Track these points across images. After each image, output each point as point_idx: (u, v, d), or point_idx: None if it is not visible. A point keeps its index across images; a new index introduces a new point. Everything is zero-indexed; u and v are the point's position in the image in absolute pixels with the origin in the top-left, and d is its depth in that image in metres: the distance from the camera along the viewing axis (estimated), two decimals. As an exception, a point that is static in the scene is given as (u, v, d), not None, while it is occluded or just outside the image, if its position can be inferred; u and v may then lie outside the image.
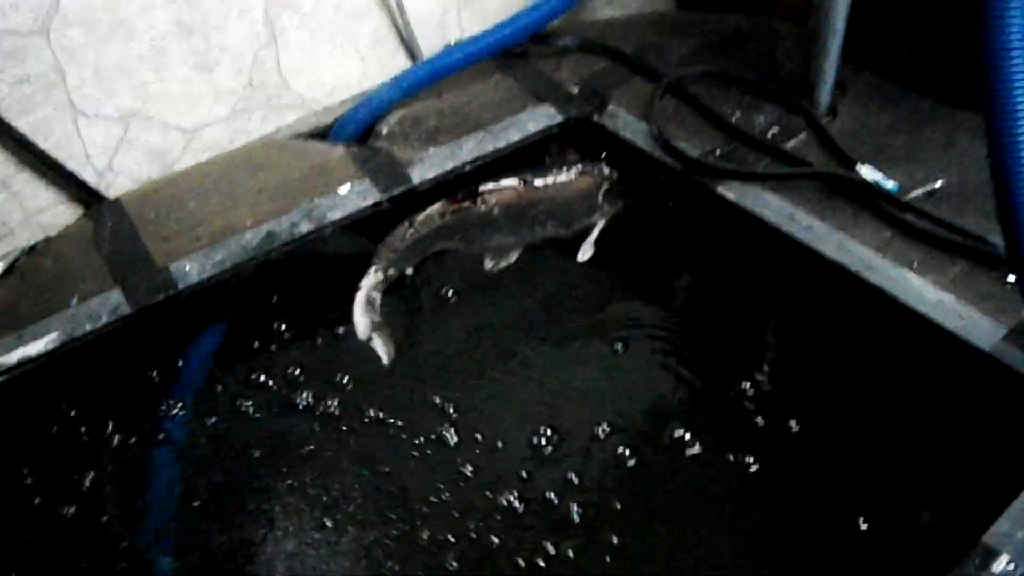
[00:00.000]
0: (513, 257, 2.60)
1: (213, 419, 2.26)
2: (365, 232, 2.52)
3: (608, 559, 1.98)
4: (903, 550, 1.98)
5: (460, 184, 2.60)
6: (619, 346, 2.38)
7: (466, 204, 2.64)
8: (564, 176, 2.70)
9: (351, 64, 2.80)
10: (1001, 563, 1.69)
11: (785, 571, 1.97)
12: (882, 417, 2.20)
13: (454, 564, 1.97)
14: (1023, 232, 1.69)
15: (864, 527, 2.00)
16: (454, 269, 2.60)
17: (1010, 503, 1.79)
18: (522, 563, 1.97)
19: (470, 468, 2.12)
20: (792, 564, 1.98)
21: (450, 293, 2.52)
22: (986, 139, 1.68)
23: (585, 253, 2.59)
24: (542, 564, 1.97)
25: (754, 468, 2.12)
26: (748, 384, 2.25)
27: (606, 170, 2.73)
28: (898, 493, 2.06)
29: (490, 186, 2.64)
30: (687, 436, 2.17)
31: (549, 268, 2.61)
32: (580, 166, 2.72)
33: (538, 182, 2.69)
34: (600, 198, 2.70)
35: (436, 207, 2.61)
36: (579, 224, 2.67)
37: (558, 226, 2.66)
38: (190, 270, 2.28)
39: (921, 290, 2.18)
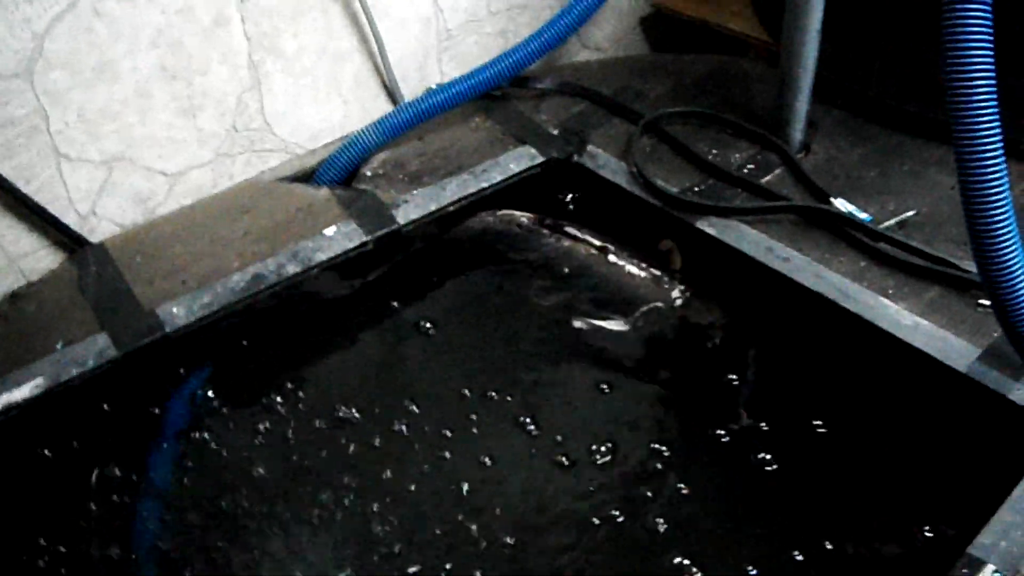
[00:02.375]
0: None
1: (201, 461, 2.26)
2: (350, 273, 2.54)
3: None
4: (891, 568, 2.01)
5: (445, 224, 2.63)
6: (601, 377, 2.41)
7: (545, 226, 2.72)
8: (642, 272, 2.68)
9: (334, 107, 2.84)
10: (987, 573, 1.72)
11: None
12: (865, 439, 2.24)
13: None
14: (992, 254, 1.74)
15: (851, 549, 2.03)
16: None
17: (992, 516, 1.83)
18: None
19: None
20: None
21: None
22: (956, 164, 1.73)
23: (618, 324, 2.59)
24: None
25: (740, 493, 2.14)
26: (732, 412, 2.28)
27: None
28: (884, 512, 2.10)
29: (574, 230, 2.71)
30: (670, 464, 2.20)
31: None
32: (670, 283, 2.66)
33: (612, 258, 2.71)
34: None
35: (520, 213, 2.73)
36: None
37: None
38: (177, 313, 2.30)
39: (897, 315, 2.22)
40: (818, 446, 2.23)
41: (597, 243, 2.70)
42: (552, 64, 3.28)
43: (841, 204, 2.50)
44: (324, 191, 2.61)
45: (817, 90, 2.76)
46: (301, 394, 2.40)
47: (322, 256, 2.44)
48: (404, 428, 2.31)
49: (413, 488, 2.21)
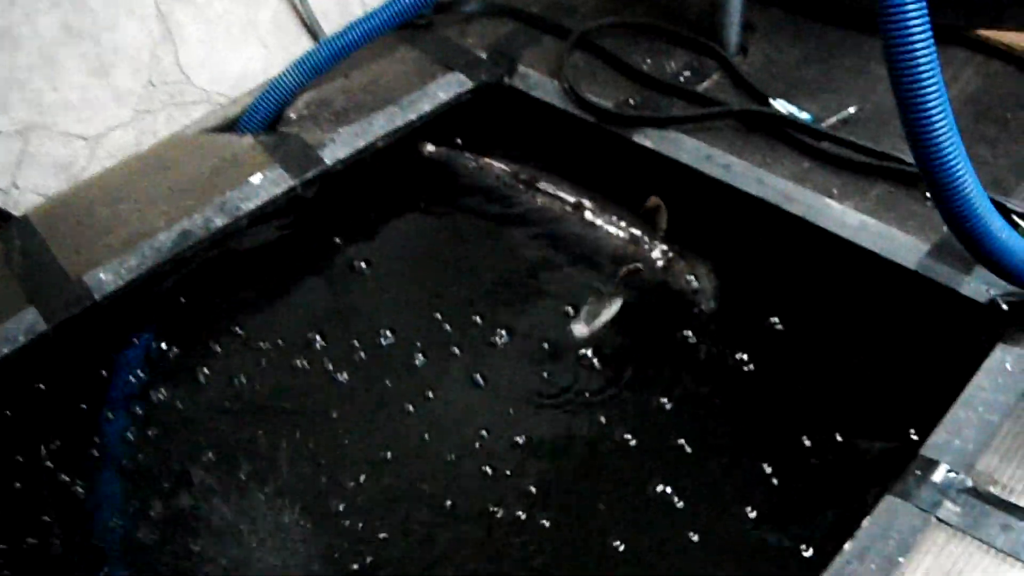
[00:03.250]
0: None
1: (149, 429, 2.20)
2: (284, 219, 2.46)
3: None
4: (848, 469, 1.98)
5: (376, 161, 2.54)
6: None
7: (521, 181, 2.56)
8: (620, 231, 2.43)
9: (254, 52, 2.74)
10: (941, 472, 1.70)
11: (736, 497, 1.95)
12: (818, 342, 2.20)
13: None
14: (930, 153, 1.68)
15: (809, 451, 2.00)
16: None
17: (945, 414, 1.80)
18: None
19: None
20: (740, 490, 1.98)
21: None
22: (883, 54, 1.66)
23: (579, 328, 2.27)
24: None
25: (701, 393, 2.13)
26: (687, 322, 2.24)
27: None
28: (846, 415, 2.05)
29: (550, 187, 2.51)
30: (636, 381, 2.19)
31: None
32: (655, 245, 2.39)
33: (588, 215, 2.46)
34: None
35: (505, 165, 2.59)
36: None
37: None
38: (105, 279, 2.22)
39: (843, 215, 2.18)
40: (775, 351, 2.18)
41: (572, 199, 2.49)
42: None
43: (780, 105, 2.44)
44: (248, 139, 2.52)
45: (753, -11, 2.70)
46: (247, 342, 2.33)
47: (250, 205, 2.36)
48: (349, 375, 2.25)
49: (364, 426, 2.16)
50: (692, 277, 2.29)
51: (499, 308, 2.36)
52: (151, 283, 2.28)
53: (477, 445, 2.08)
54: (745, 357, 2.16)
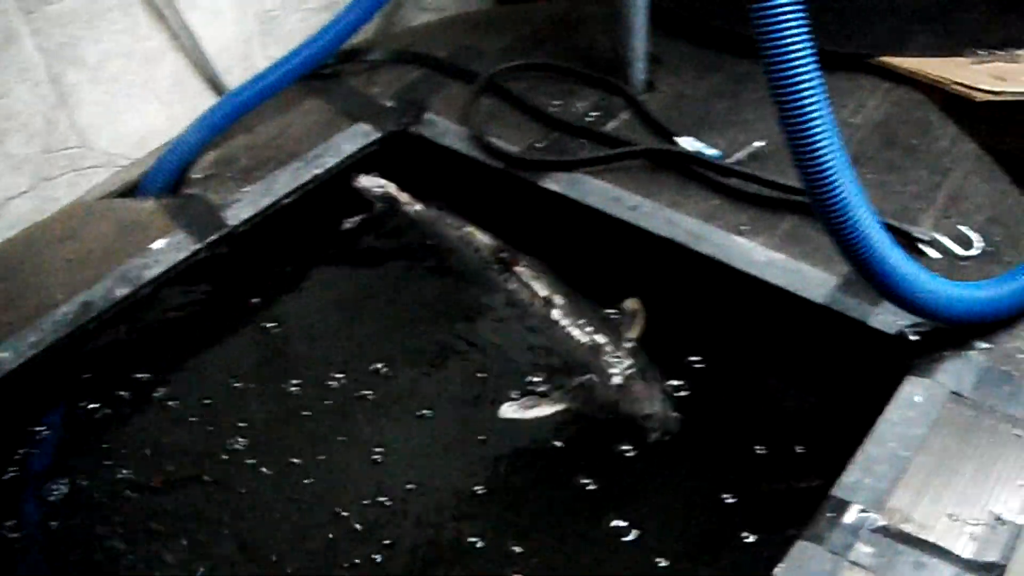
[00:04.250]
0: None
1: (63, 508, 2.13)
2: (191, 283, 2.41)
3: None
4: (766, 510, 1.95)
5: (281, 219, 2.50)
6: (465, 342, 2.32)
7: (499, 259, 2.41)
8: (583, 336, 2.23)
9: (154, 111, 2.69)
10: (853, 512, 1.68)
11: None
12: (731, 380, 2.18)
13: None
14: (818, 188, 1.65)
15: (731, 493, 1.96)
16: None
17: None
18: None
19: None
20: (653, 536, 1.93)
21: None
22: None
23: (507, 410, 2.12)
24: None
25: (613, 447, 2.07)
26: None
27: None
28: (755, 452, 2.03)
29: (527, 273, 2.36)
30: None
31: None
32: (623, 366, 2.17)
33: (555, 313, 2.27)
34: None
35: (489, 239, 2.46)
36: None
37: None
38: (4, 357, 2.15)
39: (751, 252, 2.17)
40: (692, 391, 2.16)
41: (544, 292, 2.31)
42: (389, 32, 3.15)
43: (687, 142, 2.43)
44: (150, 203, 2.47)
45: (660, 24, 2.69)
46: (158, 412, 2.26)
47: (152, 272, 2.31)
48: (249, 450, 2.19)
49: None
50: (646, 402, 2.11)
51: (421, 380, 2.27)
52: (53, 358, 2.21)
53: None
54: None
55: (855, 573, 1.60)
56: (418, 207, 2.58)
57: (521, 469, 2.07)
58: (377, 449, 2.09)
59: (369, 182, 2.62)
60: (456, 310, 2.42)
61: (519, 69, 2.75)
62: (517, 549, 1.89)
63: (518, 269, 2.36)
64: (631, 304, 2.30)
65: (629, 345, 2.21)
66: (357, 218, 2.61)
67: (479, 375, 2.23)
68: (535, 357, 2.25)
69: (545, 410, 2.11)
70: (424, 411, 2.16)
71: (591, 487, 1.98)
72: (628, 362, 2.16)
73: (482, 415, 2.14)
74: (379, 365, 2.26)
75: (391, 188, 2.61)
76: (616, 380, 2.13)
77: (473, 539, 1.92)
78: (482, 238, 2.46)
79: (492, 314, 2.37)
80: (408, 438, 2.14)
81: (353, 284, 2.57)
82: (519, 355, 2.27)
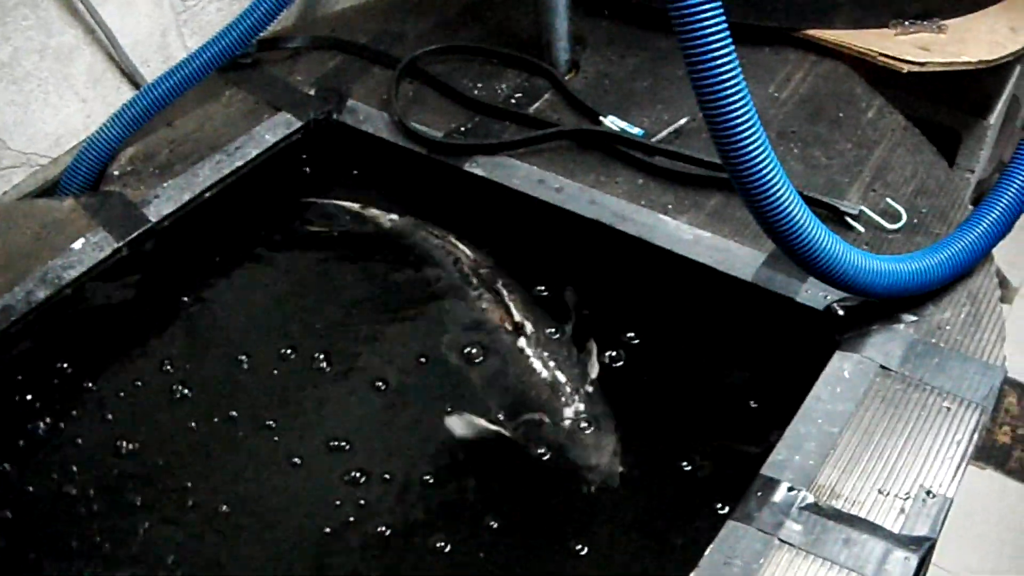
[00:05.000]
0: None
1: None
2: (114, 282, 2.36)
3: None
4: (698, 489, 1.96)
5: (204, 213, 2.45)
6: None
7: (477, 274, 2.34)
8: (545, 371, 2.15)
9: (71, 108, 2.63)
10: (782, 491, 1.67)
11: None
12: (662, 361, 2.18)
13: None
14: (736, 164, 1.64)
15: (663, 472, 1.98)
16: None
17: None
18: None
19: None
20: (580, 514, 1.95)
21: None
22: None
23: (455, 423, 2.09)
24: None
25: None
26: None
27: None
28: (683, 436, 2.05)
29: (504, 294, 2.27)
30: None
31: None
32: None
33: (522, 341, 2.19)
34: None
35: (470, 251, 2.38)
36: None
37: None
38: (-79, 366, 2.11)
39: (676, 231, 2.15)
40: (626, 371, 2.17)
41: (517, 317, 2.23)
42: (311, 17, 3.10)
43: (611, 122, 2.41)
44: (69, 202, 2.41)
45: (582, 3, 2.67)
46: (90, 414, 2.22)
47: (73, 273, 2.25)
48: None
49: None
50: (593, 453, 2.02)
51: (360, 386, 2.22)
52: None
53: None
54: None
55: (785, 551, 1.60)
56: (393, 217, 2.52)
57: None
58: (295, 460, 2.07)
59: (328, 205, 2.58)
60: (415, 317, 2.38)
61: (441, 52, 2.71)
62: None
63: (496, 287, 2.29)
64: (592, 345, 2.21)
65: (590, 388, 2.12)
66: (322, 228, 2.58)
67: (431, 392, 2.19)
68: (493, 383, 2.17)
69: (487, 431, 2.06)
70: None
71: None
72: (583, 406, 2.08)
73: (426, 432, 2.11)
74: (321, 361, 2.23)
75: (354, 207, 2.56)
76: (566, 424, 2.05)
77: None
78: (464, 250, 2.40)
79: (457, 331, 2.29)
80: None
81: (288, 280, 2.53)
82: (477, 378, 2.19)
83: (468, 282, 2.33)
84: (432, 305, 2.36)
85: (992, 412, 1.83)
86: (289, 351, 2.27)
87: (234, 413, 2.17)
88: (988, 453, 3.70)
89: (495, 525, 1.94)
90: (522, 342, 2.18)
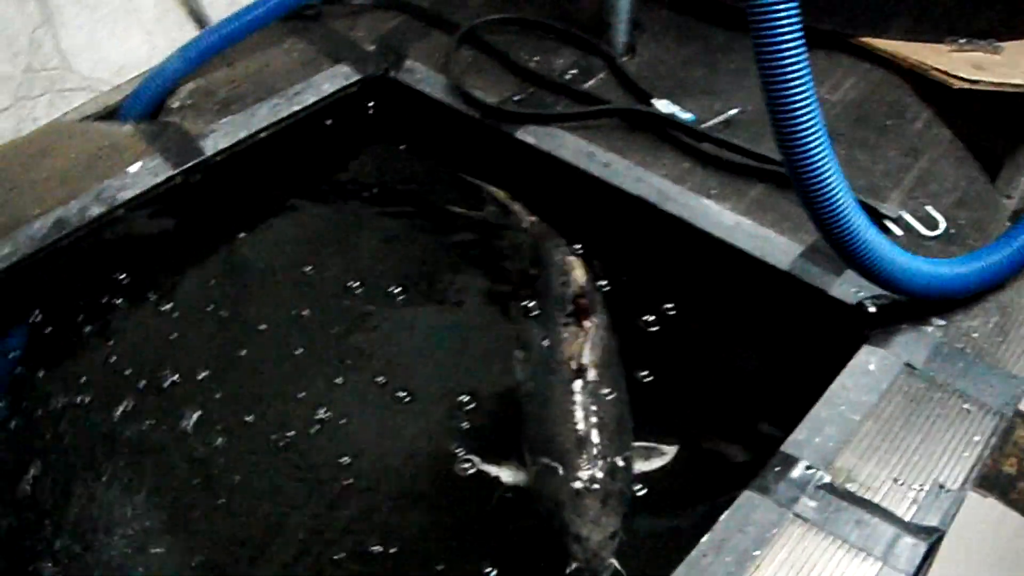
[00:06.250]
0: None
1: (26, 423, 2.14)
2: (165, 208, 2.41)
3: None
4: (722, 468, 2.03)
5: (257, 152, 2.50)
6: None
7: (575, 302, 2.19)
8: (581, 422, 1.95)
9: (137, 40, 2.69)
10: (799, 468, 1.72)
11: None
12: (692, 340, 2.23)
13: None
14: (797, 158, 1.68)
15: (689, 451, 2.02)
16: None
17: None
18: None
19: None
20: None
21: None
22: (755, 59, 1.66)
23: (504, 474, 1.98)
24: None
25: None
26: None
27: None
28: (717, 411, 2.11)
29: (590, 330, 2.11)
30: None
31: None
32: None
33: (577, 384, 2.00)
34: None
35: (581, 273, 2.26)
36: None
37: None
38: (-23, 267, 2.16)
39: (719, 216, 2.20)
40: (643, 348, 2.19)
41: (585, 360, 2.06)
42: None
43: (663, 105, 2.45)
44: (128, 127, 2.47)
45: (642, -11, 2.71)
46: (126, 333, 2.29)
47: (127, 194, 2.31)
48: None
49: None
50: (587, 525, 1.81)
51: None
52: (25, 272, 2.22)
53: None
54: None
55: (798, 525, 1.64)
56: (532, 219, 2.46)
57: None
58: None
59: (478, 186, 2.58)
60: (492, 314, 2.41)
61: (501, 23, 2.77)
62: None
63: (585, 323, 2.12)
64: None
65: (621, 463, 1.92)
66: (465, 212, 2.59)
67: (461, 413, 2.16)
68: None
69: (498, 475, 1.97)
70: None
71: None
72: (601, 475, 1.87)
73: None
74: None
75: (501, 195, 2.55)
76: (576, 484, 1.86)
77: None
78: (577, 272, 2.25)
79: (528, 346, 2.20)
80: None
81: (331, 227, 2.60)
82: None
83: (563, 306, 2.18)
84: (515, 307, 2.31)
85: (1005, 432, 1.87)
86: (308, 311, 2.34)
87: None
88: (992, 482, 3.71)
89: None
90: (577, 385, 2.00)
